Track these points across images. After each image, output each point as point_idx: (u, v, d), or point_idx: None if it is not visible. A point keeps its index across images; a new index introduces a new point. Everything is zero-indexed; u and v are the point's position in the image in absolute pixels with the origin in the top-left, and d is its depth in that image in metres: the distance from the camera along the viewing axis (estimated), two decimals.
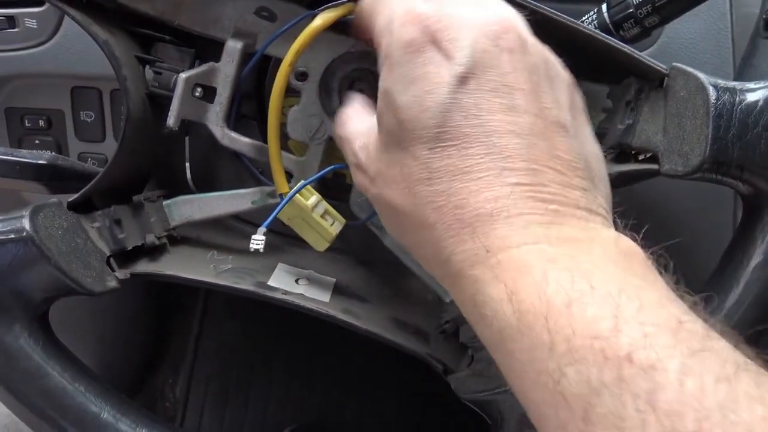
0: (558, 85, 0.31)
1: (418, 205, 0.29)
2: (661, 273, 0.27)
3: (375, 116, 0.32)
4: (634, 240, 0.28)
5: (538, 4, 0.38)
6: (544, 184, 0.28)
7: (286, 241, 0.47)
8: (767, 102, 0.34)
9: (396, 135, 0.30)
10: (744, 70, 0.53)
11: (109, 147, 0.61)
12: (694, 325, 0.23)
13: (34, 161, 0.44)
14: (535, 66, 0.30)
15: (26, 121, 0.62)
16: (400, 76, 0.30)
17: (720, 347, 0.23)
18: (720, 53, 0.57)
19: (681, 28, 0.57)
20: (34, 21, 0.59)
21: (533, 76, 0.30)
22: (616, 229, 0.29)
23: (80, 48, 0.59)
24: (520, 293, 0.25)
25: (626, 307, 0.23)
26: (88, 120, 0.62)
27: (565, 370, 0.22)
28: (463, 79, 0.28)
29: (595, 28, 0.46)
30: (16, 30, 0.59)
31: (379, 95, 0.31)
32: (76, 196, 0.38)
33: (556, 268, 0.25)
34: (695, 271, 0.51)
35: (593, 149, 0.32)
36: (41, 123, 0.62)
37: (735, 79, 0.55)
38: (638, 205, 0.57)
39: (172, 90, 0.41)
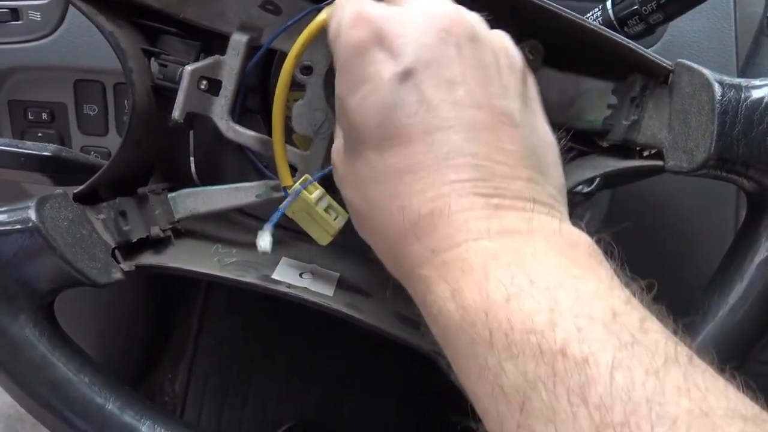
0: (508, 76, 0.31)
1: (371, 207, 0.30)
2: (607, 260, 0.27)
3: None
4: (580, 228, 0.28)
5: (549, 2, 0.38)
6: (485, 179, 0.28)
7: (290, 234, 0.47)
8: None
9: (350, 138, 0.31)
10: (747, 69, 0.53)
11: (112, 140, 0.61)
12: (629, 317, 0.23)
13: (39, 153, 0.44)
14: (484, 58, 0.30)
15: (29, 114, 0.62)
16: (348, 79, 0.30)
17: (652, 340, 0.23)
18: (723, 51, 0.58)
19: (684, 27, 0.57)
20: (38, 13, 0.59)
21: (481, 70, 0.29)
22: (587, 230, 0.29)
23: (84, 41, 0.59)
24: (463, 291, 0.25)
25: (563, 300, 0.23)
26: (91, 113, 0.62)
27: (503, 364, 0.23)
28: (404, 76, 0.28)
29: (600, 24, 0.46)
30: (19, 22, 0.59)
31: (336, 100, 0.32)
32: (81, 187, 0.38)
33: (497, 264, 0.25)
34: (697, 267, 0.51)
35: (544, 138, 0.32)
36: (44, 116, 0.62)
37: (738, 77, 0.55)
38: (642, 202, 0.57)
39: (178, 83, 0.41)
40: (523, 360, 0.22)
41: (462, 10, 0.31)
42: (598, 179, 0.52)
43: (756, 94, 0.34)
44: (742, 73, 0.53)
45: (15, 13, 0.59)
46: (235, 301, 1.01)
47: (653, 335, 0.23)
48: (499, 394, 0.23)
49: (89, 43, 0.59)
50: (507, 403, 0.23)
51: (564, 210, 0.30)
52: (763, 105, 0.34)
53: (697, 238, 0.53)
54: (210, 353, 1.05)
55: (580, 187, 0.52)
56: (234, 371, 1.04)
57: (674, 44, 0.57)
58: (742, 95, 0.34)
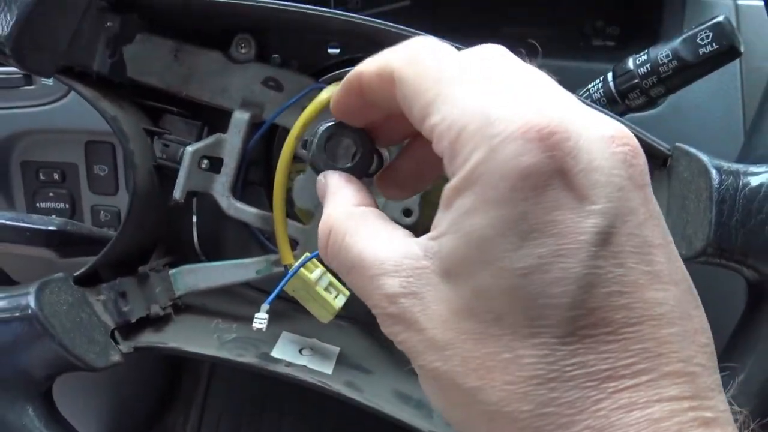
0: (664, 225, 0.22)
1: (531, 414, 0.20)
2: None
3: (402, 232, 0.23)
4: None
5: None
6: (702, 396, 0.20)
7: (290, 306, 0.47)
8: None
9: (498, 309, 0.20)
10: (752, 139, 0.52)
11: (122, 199, 0.62)
12: None
13: (44, 227, 0.45)
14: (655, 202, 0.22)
15: (41, 175, 0.63)
16: (506, 220, 0.20)
17: None
18: (730, 116, 0.57)
19: (690, 88, 0.57)
20: (50, 79, 0.60)
21: (659, 220, 0.22)
22: None
23: None
24: None
25: None
26: (102, 173, 0.63)
27: None
28: (604, 237, 0.20)
29: (601, 96, 0.47)
30: (32, 87, 0.60)
31: (463, 237, 0.21)
32: (82, 270, 0.39)
33: None
34: None
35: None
36: (56, 176, 0.63)
37: (744, 142, 0.55)
38: None
39: (179, 162, 0.42)
40: None
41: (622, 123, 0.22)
42: None
43: (754, 181, 0.34)
44: (748, 138, 0.53)
45: (28, 78, 0.60)
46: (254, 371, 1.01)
47: None
48: None
49: None
50: None
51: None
52: (761, 193, 0.34)
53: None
54: (221, 395, 1.05)
55: None
56: (246, 412, 1.04)
57: (680, 106, 0.57)
58: (740, 182, 0.34)
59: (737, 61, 0.59)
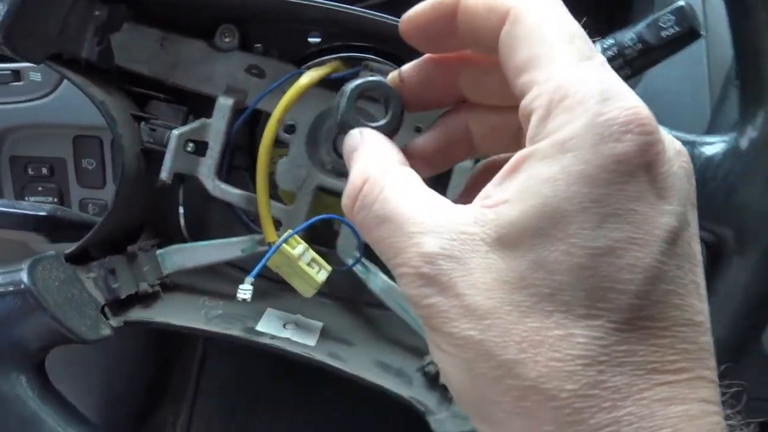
0: None
1: (573, 394, 0.20)
2: None
3: (448, 203, 0.22)
4: None
5: None
6: (720, 403, 0.21)
7: (275, 285, 0.48)
8: (725, 155, 0.36)
9: (558, 285, 0.20)
10: (716, 118, 0.55)
11: (110, 193, 0.63)
12: None
13: (34, 213, 0.46)
14: None
15: (29, 169, 0.64)
16: (590, 198, 0.20)
17: None
18: (697, 98, 0.59)
19: (659, 74, 0.59)
20: (39, 74, 0.61)
21: (699, 238, 0.22)
22: None
23: (82, 100, 0.60)
24: None
25: None
26: (90, 167, 0.64)
27: None
28: (674, 238, 0.20)
29: None
30: (21, 83, 0.61)
31: (535, 207, 0.20)
32: (72, 248, 0.40)
33: None
34: None
35: None
36: (44, 171, 0.64)
37: (709, 122, 0.57)
38: None
39: (166, 145, 0.43)
40: None
41: None
42: None
43: (709, 150, 0.36)
44: (712, 121, 0.55)
45: (17, 74, 0.61)
46: (240, 343, 1.02)
47: None
48: None
49: (87, 102, 0.61)
50: None
51: None
52: (716, 161, 0.36)
53: None
54: (212, 393, 1.05)
55: None
56: (237, 411, 1.05)
57: (650, 92, 0.59)
58: (696, 151, 0.36)
59: (704, 48, 0.61)
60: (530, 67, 0.21)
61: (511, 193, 0.20)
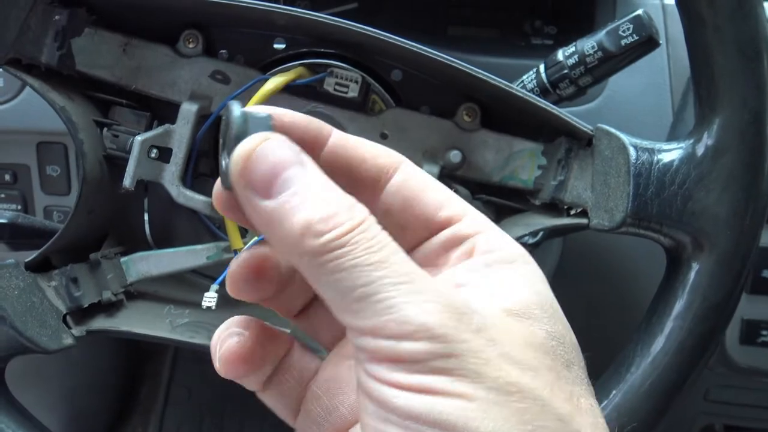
0: None
1: None
2: None
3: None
4: None
5: (480, 71, 0.41)
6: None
7: None
8: (681, 162, 0.37)
9: (570, 356, 0.21)
10: (677, 124, 0.56)
11: (74, 200, 0.62)
12: None
13: None
14: None
15: None
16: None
17: None
18: (660, 106, 0.60)
19: (623, 83, 0.60)
20: (0, 79, 0.60)
21: None
22: None
23: (45, 105, 0.60)
24: None
25: None
26: (54, 174, 0.63)
27: None
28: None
29: (534, 86, 0.49)
30: None
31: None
32: (33, 256, 0.40)
33: None
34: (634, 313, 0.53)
35: None
36: (7, 177, 0.63)
37: (669, 130, 0.58)
38: (592, 249, 0.59)
39: (129, 152, 0.43)
40: None
41: None
42: (542, 231, 0.55)
43: (666, 157, 0.37)
44: (672, 128, 0.56)
45: None
46: (206, 355, 1.01)
47: None
48: None
49: (51, 108, 0.60)
50: None
51: None
52: (673, 167, 0.37)
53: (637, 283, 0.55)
54: (182, 403, 1.04)
55: (526, 238, 0.55)
56: (206, 421, 1.04)
57: (614, 101, 0.60)
58: (655, 158, 0.37)
59: (666, 56, 0.63)
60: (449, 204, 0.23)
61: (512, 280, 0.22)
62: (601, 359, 0.34)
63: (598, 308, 0.62)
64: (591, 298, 0.61)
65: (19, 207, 0.63)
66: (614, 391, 0.37)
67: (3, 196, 0.64)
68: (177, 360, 1.03)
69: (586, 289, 0.61)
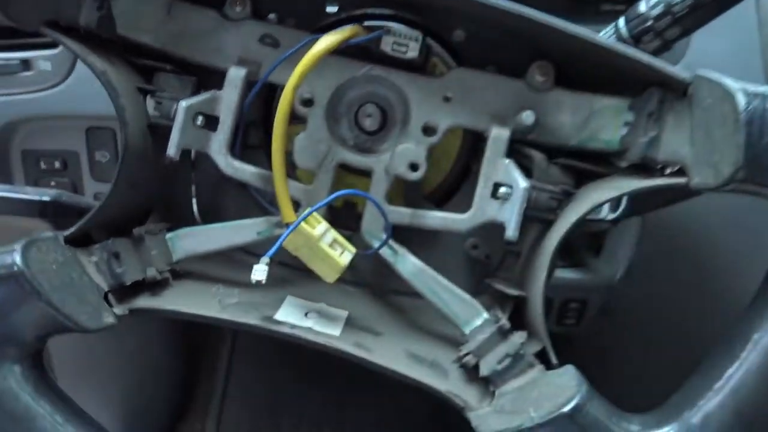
0: None
1: None
2: None
3: None
4: None
5: (559, 21, 0.36)
6: None
7: (295, 273, 0.45)
8: None
9: None
10: None
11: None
12: None
13: (38, 198, 0.44)
14: None
15: (42, 163, 0.62)
16: None
17: None
18: (749, 72, 0.55)
19: (706, 47, 0.55)
20: (49, 63, 0.59)
21: None
22: None
23: (94, 89, 0.58)
24: None
25: None
26: (103, 160, 0.61)
27: None
28: None
29: None
30: (30, 73, 0.59)
31: None
32: (72, 229, 0.37)
33: None
34: (733, 292, 0.48)
35: None
36: (57, 164, 0.62)
37: None
38: (675, 225, 0.54)
39: (173, 119, 0.40)
40: None
41: None
42: (623, 204, 0.50)
43: None
44: None
45: (26, 63, 0.59)
46: (264, 349, 0.99)
47: None
48: None
49: (100, 91, 0.58)
50: None
51: None
52: None
53: (733, 261, 0.49)
54: (238, 403, 1.03)
55: (604, 214, 0.50)
56: (264, 421, 1.02)
57: (698, 65, 0.55)
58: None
59: (754, 15, 0.57)
60: None
61: None
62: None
63: (681, 308, 0.57)
64: (672, 295, 0.56)
65: None
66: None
67: (53, 183, 0.63)
68: (233, 359, 1.02)
69: (666, 286, 0.56)
